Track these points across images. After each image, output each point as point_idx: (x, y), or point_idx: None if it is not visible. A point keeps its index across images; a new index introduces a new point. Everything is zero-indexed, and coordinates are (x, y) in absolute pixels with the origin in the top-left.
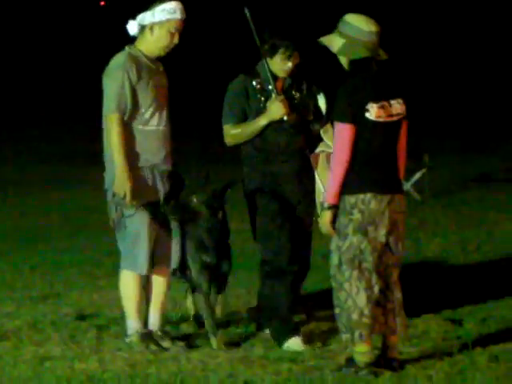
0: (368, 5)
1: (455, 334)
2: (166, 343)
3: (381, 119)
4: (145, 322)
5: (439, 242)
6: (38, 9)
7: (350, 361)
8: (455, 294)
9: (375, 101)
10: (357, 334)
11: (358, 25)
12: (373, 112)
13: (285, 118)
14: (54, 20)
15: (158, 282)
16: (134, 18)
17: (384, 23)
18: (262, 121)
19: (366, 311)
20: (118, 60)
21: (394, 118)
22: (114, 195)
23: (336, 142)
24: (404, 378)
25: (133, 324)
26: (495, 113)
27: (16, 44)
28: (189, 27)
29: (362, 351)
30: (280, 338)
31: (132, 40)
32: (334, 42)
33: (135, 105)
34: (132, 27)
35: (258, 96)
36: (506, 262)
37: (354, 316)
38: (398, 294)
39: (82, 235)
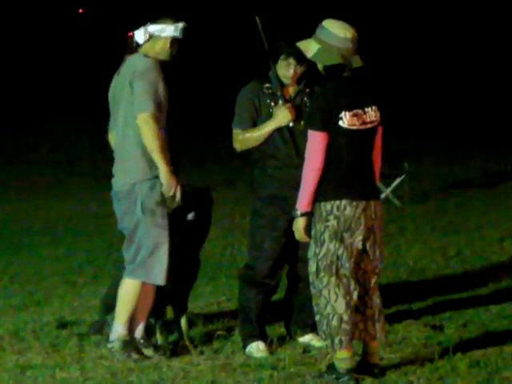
0: (349, 10)
1: (436, 340)
2: (148, 351)
3: (354, 127)
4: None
5: (419, 248)
6: (18, 14)
7: (331, 367)
8: (435, 300)
9: (348, 109)
10: (337, 340)
11: (334, 31)
12: (346, 120)
13: (290, 124)
14: (33, 26)
15: (147, 292)
16: (137, 27)
17: (364, 29)
18: (269, 127)
19: (346, 317)
20: (148, 62)
21: (368, 126)
22: (162, 197)
23: (309, 149)
24: None
25: (119, 329)
26: (474, 119)
27: None
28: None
29: (343, 357)
30: (244, 341)
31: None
32: (309, 47)
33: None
34: (140, 36)
35: (268, 101)
36: (485, 268)
37: (334, 322)
38: (377, 300)
39: (63, 243)
